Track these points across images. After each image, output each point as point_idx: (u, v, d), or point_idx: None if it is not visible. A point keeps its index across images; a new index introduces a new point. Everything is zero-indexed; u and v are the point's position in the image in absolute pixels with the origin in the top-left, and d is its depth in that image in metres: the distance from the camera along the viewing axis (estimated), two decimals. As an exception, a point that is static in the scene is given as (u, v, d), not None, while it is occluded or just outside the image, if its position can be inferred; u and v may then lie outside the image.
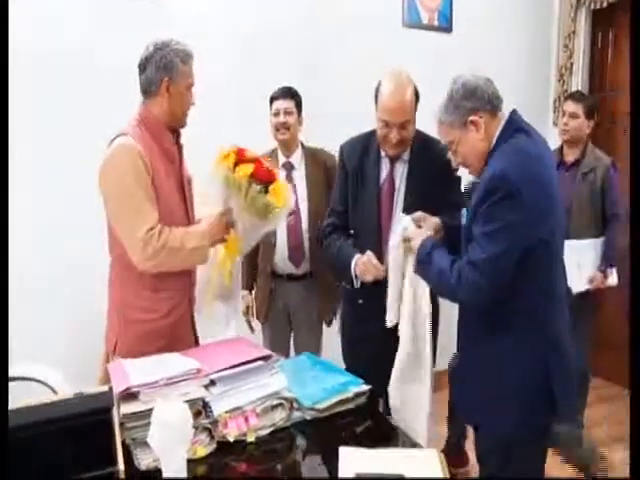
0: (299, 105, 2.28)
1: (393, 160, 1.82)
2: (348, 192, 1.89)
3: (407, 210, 1.71)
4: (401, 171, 1.83)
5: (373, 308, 1.72)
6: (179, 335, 1.67)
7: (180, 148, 1.71)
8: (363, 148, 1.87)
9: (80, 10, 2.25)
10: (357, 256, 1.77)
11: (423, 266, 1.50)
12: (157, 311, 1.65)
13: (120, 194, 1.55)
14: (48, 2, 2.21)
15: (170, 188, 1.64)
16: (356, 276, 1.77)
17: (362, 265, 1.74)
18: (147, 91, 1.62)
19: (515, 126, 1.41)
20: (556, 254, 1.42)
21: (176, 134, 1.69)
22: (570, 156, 2.55)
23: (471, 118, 1.39)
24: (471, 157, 1.44)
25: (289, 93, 2.26)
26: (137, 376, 1.28)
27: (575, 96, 2.61)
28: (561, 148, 2.59)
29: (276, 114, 2.24)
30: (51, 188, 2.27)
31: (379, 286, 1.70)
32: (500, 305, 1.37)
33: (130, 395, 1.24)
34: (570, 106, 2.53)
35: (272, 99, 2.27)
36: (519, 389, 1.39)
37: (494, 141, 1.40)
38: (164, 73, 1.59)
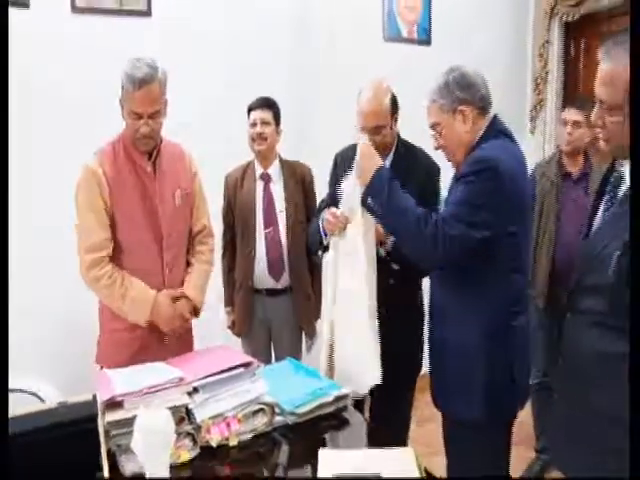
0: (277, 116, 2.25)
1: None
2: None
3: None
4: None
5: None
6: (152, 346, 1.70)
7: (156, 167, 1.74)
8: (353, 155, 1.95)
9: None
10: (323, 213, 1.74)
11: (379, 199, 1.45)
12: (127, 321, 1.71)
13: (77, 212, 1.69)
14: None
15: (133, 210, 1.70)
16: (325, 234, 1.73)
17: (328, 218, 1.66)
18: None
19: (499, 128, 1.49)
20: (521, 250, 1.49)
21: (154, 152, 1.73)
22: (572, 167, 2.33)
23: (461, 107, 1.44)
24: (453, 145, 1.49)
25: (266, 104, 2.23)
26: (121, 385, 1.31)
27: (577, 103, 2.34)
28: (559, 159, 2.37)
29: (253, 125, 2.21)
30: (38, 199, 2.29)
31: None
32: (465, 293, 1.45)
33: (115, 403, 1.27)
34: (573, 115, 2.28)
35: (249, 110, 2.24)
36: (484, 374, 1.45)
37: (477, 138, 1.46)
38: (120, 92, 1.63)
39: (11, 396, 1.57)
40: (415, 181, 1.77)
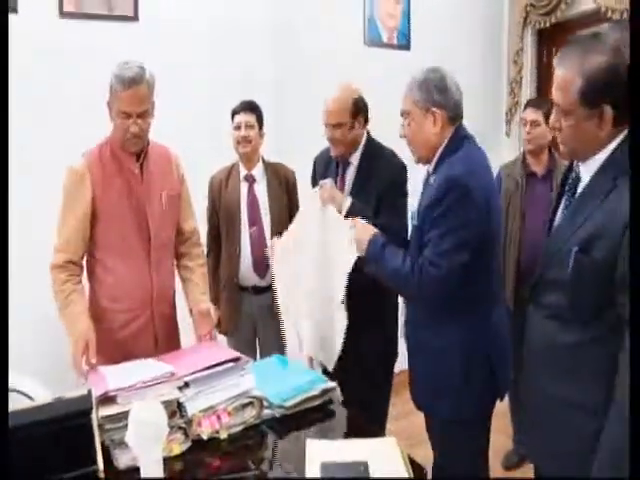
0: (260, 119, 2.33)
1: (345, 165, 2.02)
2: None
3: (350, 209, 1.85)
4: (350, 174, 2.02)
5: None
6: (137, 349, 1.70)
7: (143, 169, 1.76)
8: (328, 157, 2.09)
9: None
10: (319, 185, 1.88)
11: (375, 264, 1.58)
12: (113, 321, 1.73)
13: (61, 209, 1.72)
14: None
15: (120, 210, 1.72)
16: None
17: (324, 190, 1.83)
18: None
19: (463, 134, 1.55)
20: (495, 254, 1.58)
21: (142, 154, 1.75)
22: (537, 166, 2.38)
23: (434, 109, 1.50)
24: (418, 142, 1.55)
25: (250, 107, 2.30)
26: (114, 380, 1.35)
27: (534, 103, 2.44)
28: (524, 159, 2.42)
29: (237, 127, 2.28)
30: (36, 199, 2.27)
31: None
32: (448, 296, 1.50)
33: (108, 398, 1.31)
34: (530, 114, 2.36)
35: (233, 113, 2.31)
36: (465, 374, 1.51)
37: (444, 143, 1.52)
38: (109, 94, 1.66)
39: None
40: (377, 181, 1.91)
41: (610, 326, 1.12)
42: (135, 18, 2.35)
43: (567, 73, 1.12)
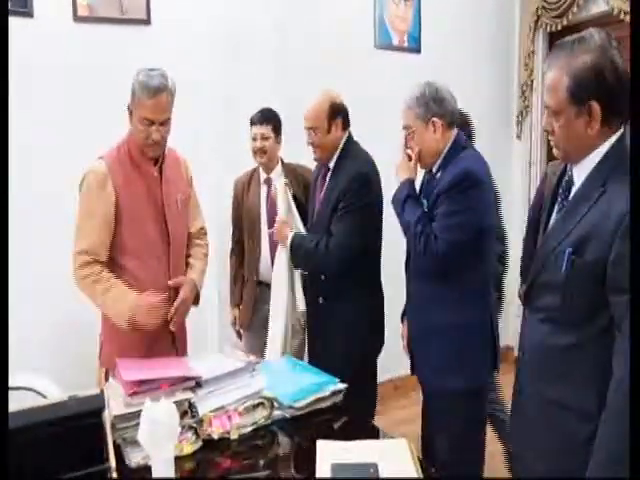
0: (276, 128, 2.37)
1: (326, 170, 2.08)
2: None
3: (318, 212, 2.03)
4: (327, 177, 2.07)
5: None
6: (156, 350, 1.72)
7: (162, 172, 1.78)
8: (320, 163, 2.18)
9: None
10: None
11: (395, 204, 1.77)
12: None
13: (79, 213, 1.71)
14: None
15: (141, 212, 1.73)
16: None
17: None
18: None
19: (463, 144, 1.73)
20: (490, 245, 1.78)
21: (160, 158, 1.77)
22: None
23: (434, 119, 1.68)
24: (425, 150, 1.73)
25: (265, 119, 2.35)
26: (139, 374, 1.37)
27: None
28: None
29: (254, 139, 2.36)
30: (38, 194, 2.32)
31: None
32: (450, 279, 1.69)
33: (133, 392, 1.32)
34: None
35: (251, 123, 2.38)
36: (467, 350, 1.70)
37: (446, 149, 1.71)
38: (130, 99, 1.69)
39: (15, 394, 1.63)
40: (340, 184, 1.96)
41: (602, 329, 1.14)
42: (147, 22, 2.38)
43: (556, 74, 1.16)
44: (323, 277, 2.03)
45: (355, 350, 2.00)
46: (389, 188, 1.87)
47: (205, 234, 2.04)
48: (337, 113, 2.02)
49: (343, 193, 1.93)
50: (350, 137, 2.08)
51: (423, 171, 1.84)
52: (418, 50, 3.29)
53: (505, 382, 2.29)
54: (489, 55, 3.52)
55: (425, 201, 1.75)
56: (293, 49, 2.83)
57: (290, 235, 2.03)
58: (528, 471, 1.35)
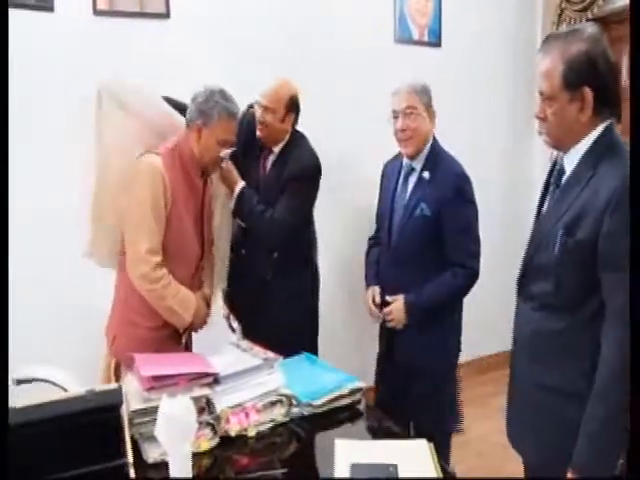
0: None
1: (267, 153, 2.07)
2: None
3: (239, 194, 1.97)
4: (270, 162, 2.07)
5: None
6: (166, 348, 1.71)
7: (206, 182, 1.80)
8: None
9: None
10: None
11: (428, 314, 1.94)
12: (154, 320, 1.73)
13: (136, 208, 1.64)
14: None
15: (185, 218, 1.72)
16: None
17: None
18: (187, 122, 1.73)
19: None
20: None
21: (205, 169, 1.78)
22: None
23: (432, 109, 1.94)
24: (417, 131, 1.90)
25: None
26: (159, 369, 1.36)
27: None
28: None
29: None
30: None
31: None
32: (426, 271, 1.93)
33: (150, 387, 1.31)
34: None
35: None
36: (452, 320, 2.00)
37: (431, 136, 1.95)
38: (199, 117, 1.69)
39: (33, 385, 1.64)
40: (288, 168, 1.98)
41: (593, 312, 1.17)
42: (167, 15, 2.37)
43: (550, 62, 1.20)
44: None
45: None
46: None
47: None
48: (295, 107, 2.02)
49: (295, 178, 1.97)
50: (298, 131, 2.09)
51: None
52: (439, 44, 3.24)
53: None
54: (510, 49, 3.45)
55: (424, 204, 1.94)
56: (313, 45, 2.80)
57: (240, 184, 1.95)
58: (524, 455, 1.37)
